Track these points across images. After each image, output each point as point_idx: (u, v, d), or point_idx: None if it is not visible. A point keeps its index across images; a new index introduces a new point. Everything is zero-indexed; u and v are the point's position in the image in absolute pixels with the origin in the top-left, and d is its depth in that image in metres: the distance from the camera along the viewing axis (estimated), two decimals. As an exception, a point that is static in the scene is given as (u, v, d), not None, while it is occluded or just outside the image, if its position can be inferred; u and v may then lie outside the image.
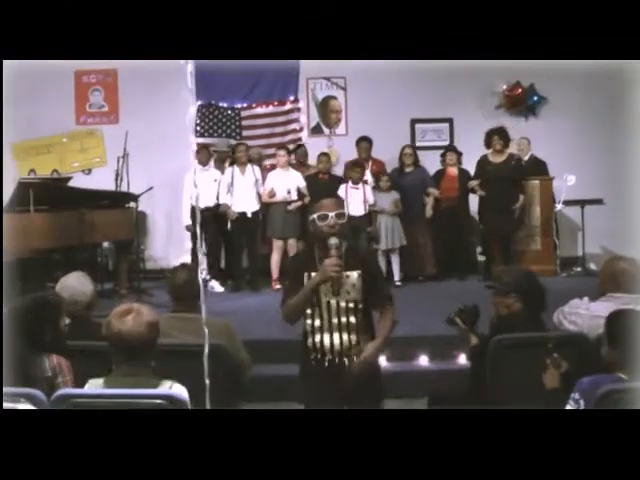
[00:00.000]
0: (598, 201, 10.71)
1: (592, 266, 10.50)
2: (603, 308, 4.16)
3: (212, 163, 10.49)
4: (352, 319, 4.05)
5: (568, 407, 3.39)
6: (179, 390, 3.27)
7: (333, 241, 3.95)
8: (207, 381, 3.05)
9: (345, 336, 4.04)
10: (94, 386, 3.36)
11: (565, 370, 3.73)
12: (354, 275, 4.04)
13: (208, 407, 3.25)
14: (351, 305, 4.05)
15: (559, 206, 10.75)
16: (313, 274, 4.01)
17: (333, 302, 4.04)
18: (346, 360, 4.05)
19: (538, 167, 10.80)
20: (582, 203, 10.77)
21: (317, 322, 4.07)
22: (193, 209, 9.95)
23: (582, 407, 3.32)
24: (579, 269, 10.78)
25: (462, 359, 5.43)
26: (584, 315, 4.35)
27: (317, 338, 4.07)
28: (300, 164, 10.64)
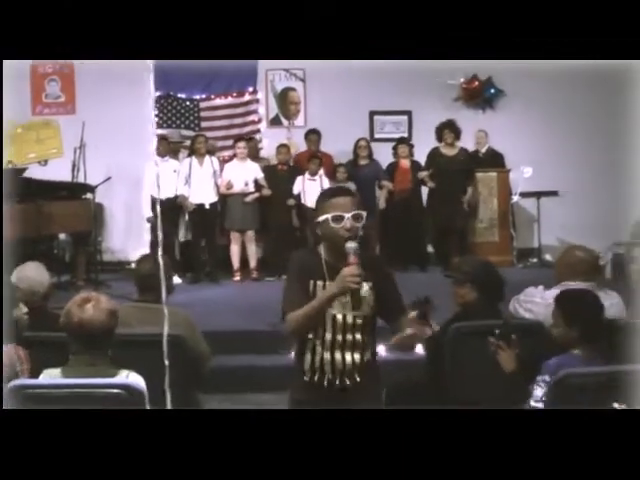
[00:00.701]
0: (553, 193, 10.84)
1: (548, 257, 10.63)
2: (558, 296, 4.24)
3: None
4: (359, 336, 3.46)
5: (538, 390, 3.48)
6: (136, 379, 3.26)
7: (352, 245, 3.27)
8: (167, 370, 3.02)
9: (349, 356, 3.46)
10: (50, 376, 3.34)
11: (518, 351, 3.78)
12: (365, 287, 3.38)
13: (168, 396, 3.24)
14: (359, 321, 3.46)
15: (515, 198, 10.87)
16: (320, 283, 3.40)
17: (340, 317, 3.44)
18: (347, 381, 3.46)
19: (495, 159, 10.91)
20: (538, 195, 10.89)
21: (320, 338, 3.46)
22: (153, 201, 9.93)
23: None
24: (535, 260, 10.91)
25: (420, 348, 5.46)
26: (539, 303, 4.42)
27: (318, 357, 3.47)
28: (251, 156, 10.62)
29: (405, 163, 10.62)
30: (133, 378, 3.27)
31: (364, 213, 3.41)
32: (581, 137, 11.18)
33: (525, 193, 10.82)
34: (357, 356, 3.46)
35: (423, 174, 10.34)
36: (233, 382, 6.46)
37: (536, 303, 4.44)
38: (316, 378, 3.48)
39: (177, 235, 10.32)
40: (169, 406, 3.27)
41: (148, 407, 3.26)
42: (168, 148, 10.29)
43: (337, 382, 3.46)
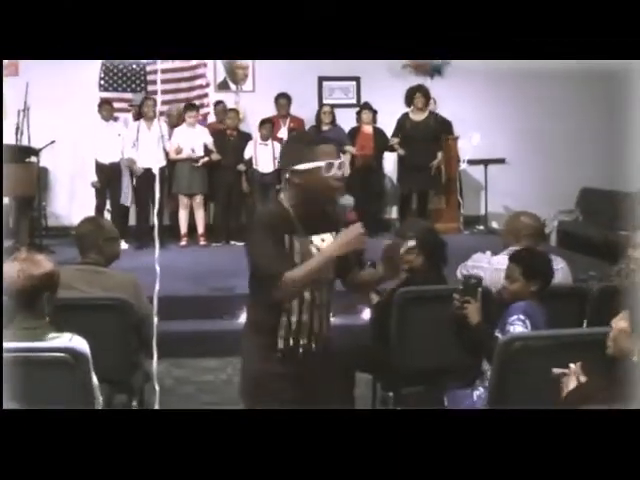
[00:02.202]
0: (501, 160, 10.93)
1: (494, 224, 10.73)
2: (504, 261, 4.29)
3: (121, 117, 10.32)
4: (328, 295, 3.26)
5: (518, 328, 3.61)
6: (80, 343, 3.22)
7: (348, 200, 3.26)
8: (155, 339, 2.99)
9: (324, 317, 3.26)
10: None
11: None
12: (329, 239, 3.18)
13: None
14: (331, 276, 3.25)
15: (463, 165, 10.94)
16: (295, 237, 3.10)
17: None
18: (314, 346, 3.21)
19: (443, 126, 10.92)
20: (485, 162, 10.97)
21: (307, 294, 3.18)
22: (97, 164, 9.81)
23: (529, 327, 3.61)
24: (481, 227, 11.02)
25: (366, 314, 5.49)
26: (486, 268, 4.47)
27: (294, 319, 3.17)
28: (219, 121, 10.53)
29: (367, 129, 10.57)
30: (77, 341, 3.21)
31: (346, 159, 3.24)
32: (528, 104, 11.25)
33: (473, 160, 10.89)
34: (330, 316, 3.31)
35: (394, 141, 10.31)
36: (179, 347, 6.44)
37: (483, 268, 4.49)
38: (291, 344, 3.17)
39: (123, 200, 10.21)
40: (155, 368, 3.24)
41: (93, 372, 3.23)
42: (112, 111, 10.13)
43: (313, 347, 3.21)
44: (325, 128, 10.45)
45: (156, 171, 9.62)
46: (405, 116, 10.33)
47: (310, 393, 3.20)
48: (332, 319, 3.35)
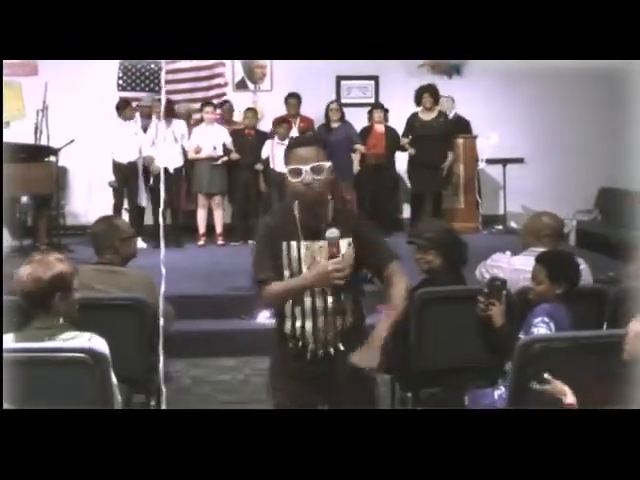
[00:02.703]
0: (519, 160, 10.88)
1: (512, 224, 10.69)
2: (524, 261, 4.28)
3: (137, 117, 10.30)
4: (340, 299, 3.20)
5: (542, 330, 3.60)
6: (99, 343, 3.22)
7: (330, 234, 3.01)
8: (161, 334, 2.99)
9: (331, 321, 3.20)
10: (11, 340, 3.28)
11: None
12: (344, 244, 3.12)
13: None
14: (340, 282, 3.09)
15: (482, 164, 10.89)
16: (294, 243, 3.15)
17: None
18: (332, 351, 3.21)
19: (462, 126, 10.88)
20: (504, 162, 10.93)
21: (299, 304, 3.21)
22: (114, 163, 9.83)
23: (553, 330, 3.60)
24: (500, 227, 10.97)
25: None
26: (506, 268, 4.44)
27: (298, 323, 3.21)
28: (226, 121, 10.54)
29: (379, 128, 10.55)
30: (96, 341, 3.22)
31: (326, 164, 3.08)
32: (547, 104, 11.19)
33: (491, 160, 10.85)
34: (340, 321, 3.21)
35: (405, 141, 10.28)
36: (196, 347, 6.46)
37: (502, 268, 4.46)
38: (300, 346, 3.22)
39: (140, 199, 10.23)
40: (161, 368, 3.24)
41: (112, 372, 3.23)
42: (132, 111, 10.15)
43: (320, 352, 3.21)
44: (334, 125, 10.42)
45: (172, 171, 9.72)
46: (414, 116, 10.30)
47: (328, 395, 3.27)
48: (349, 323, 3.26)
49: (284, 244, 3.16)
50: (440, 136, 10.14)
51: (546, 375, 2.94)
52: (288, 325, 3.24)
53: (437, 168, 10.16)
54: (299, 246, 3.16)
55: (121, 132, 9.83)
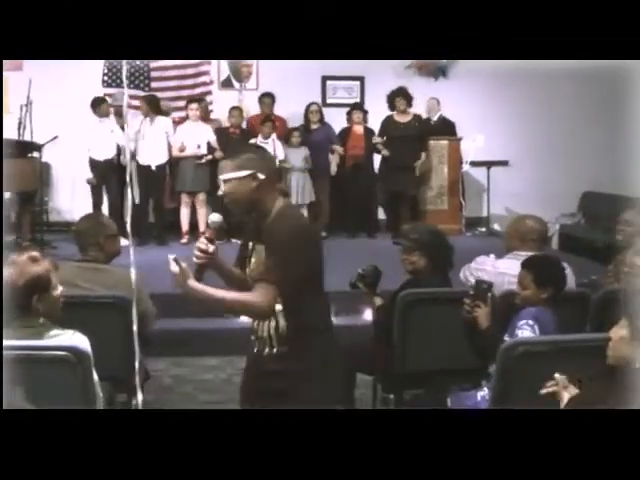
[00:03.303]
0: (504, 163, 10.91)
1: (496, 226, 10.73)
2: (508, 265, 4.29)
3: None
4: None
5: (526, 332, 3.64)
6: (81, 341, 3.20)
7: (212, 219, 3.28)
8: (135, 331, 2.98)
9: (273, 322, 3.22)
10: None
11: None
12: (260, 249, 3.24)
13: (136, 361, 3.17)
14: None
15: (466, 167, 10.92)
16: (250, 243, 3.31)
17: (251, 273, 3.29)
18: (275, 350, 3.25)
19: (447, 128, 10.92)
20: (488, 164, 10.96)
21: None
22: (91, 161, 9.81)
23: (537, 333, 3.63)
24: (483, 229, 11.01)
25: (368, 314, 5.47)
26: (490, 271, 4.45)
27: (255, 323, 3.32)
28: (202, 118, 10.50)
29: (358, 129, 10.59)
30: (78, 339, 3.20)
31: (234, 174, 3.16)
32: (532, 106, 11.24)
33: (475, 162, 10.88)
34: (282, 322, 3.20)
35: (377, 140, 10.34)
36: (178, 345, 6.44)
37: (487, 271, 4.47)
38: (256, 345, 3.33)
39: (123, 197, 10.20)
40: (137, 366, 3.22)
41: (94, 370, 3.22)
42: (107, 108, 10.11)
43: (268, 350, 3.27)
44: (314, 127, 10.49)
45: (154, 168, 9.71)
46: (389, 118, 10.39)
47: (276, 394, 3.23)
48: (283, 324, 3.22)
49: (250, 244, 3.33)
50: (415, 138, 10.23)
51: (557, 375, 2.94)
52: (253, 325, 3.35)
53: (410, 169, 10.26)
54: (250, 246, 3.34)
55: (97, 129, 9.81)
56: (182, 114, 10.52)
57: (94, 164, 9.86)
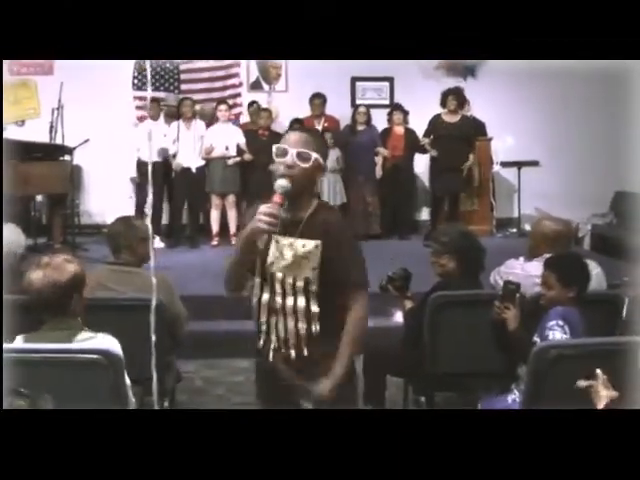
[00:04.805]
0: (534, 163, 10.84)
1: (527, 227, 10.63)
2: (538, 267, 4.26)
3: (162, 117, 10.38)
4: (302, 302, 3.03)
5: (557, 333, 3.61)
6: (112, 344, 3.23)
7: (280, 183, 2.91)
8: (153, 337, 2.99)
9: (292, 323, 3.05)
10: (22, 341, 3.28)
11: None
12: (309, 245, 3.00)
13: (153, 364, 3.19)
14: (300, 284, 3.02)
15: (496, 167, 10.87)
16: (274, 237, 3.03)
17: (279, 276, 3.03)
18: (292, 353, 3.07)
19: (477, 128, 10.86)
20: (519, 165, 10.89)
21: (264, 297, 3.08)
22: (139, 162, 9.85)
23: (567, 333, 3.61)
24: (514, 230, 10.93)
25: (399, 316, 5.46)
26: (520, 275, 4.42)
27: (263, 318, 3.11)
28: (252, 122, 10.53)
29: (399, 130, 10.56)
30: (109, 342, 3.23)
31: (314, 155, 2.97)
32: (562, 106, 11.16)
33: (506, 163, 10.82)
34: (302, 325, 3.04)
35: (425, 141, 10.26)
36: (209, 347, 6.45)
37: (516, 275, 4.44)
38: (262, 343, 3.14)
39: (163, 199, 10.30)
40: (154, 371, 3.24)
41: (125, 374, 3.24)
42: (159, 111, 10.20)
43: (282, 350, 3.09)
44: (360, 128, 10.47)
45: (194, 171, 9.78)
46: (437, 117, 10.26)
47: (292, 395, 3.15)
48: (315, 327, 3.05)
49: (266, 236, 3.03)
50: (463, 139, 10.10)
51: (598, 370, 2.90)
52: (255, 320, 3.17)
53: (458, 171, 10.14)
54: (272, 240, 3.06)
55: (149, 131, 9.85)
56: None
57: (141, 166, 9.84)
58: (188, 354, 5.48)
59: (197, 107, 10.45)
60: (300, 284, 3.02)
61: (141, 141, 9.79)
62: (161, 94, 10.89)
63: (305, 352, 3.06)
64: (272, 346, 3.12)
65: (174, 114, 10.47)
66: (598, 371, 2.88)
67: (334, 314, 3.04)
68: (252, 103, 10.88)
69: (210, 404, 5.45)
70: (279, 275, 3.04)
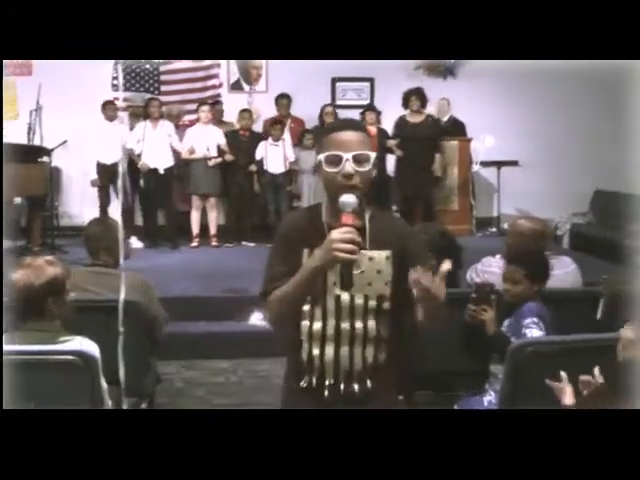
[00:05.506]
0: (514, 162, 10.89)
1: (506, 226, 10.67)
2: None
3: (125, 117, 10.30)
4: (372, 324, 2.59)
5: (535, 331, 3.62)
6: (89, 346, 3.22)
7: (348, 200, 2.39)
8: (121, 329, 2.98)
9: (359, 351, 2.59)
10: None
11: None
12: (381, 257, 2.57)
13: (121, 365, 3.19)
14: (373, 303, 2.58)
15: (476, 167, 10.90)
16: (317, 251, 2.41)
17: (346, 297, 2.56)
18: (357, 387, 2.61)
19: (457, 128, 10.90)
20: (498, 164, 10.94)
21: (317, 325, 2.60)
22: (98, 164, 9.82)
23: (543, 329, 3.63)
24: (494, 229, 10.99)
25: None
26: (496, 272, 4.43)
27: (316, 350, 2.61)
28: (217, 121, 10.53)
29: (372, 130, 10.55)
30: (86, 344, 3.22)
31: (372, 154, 2.56)
32: (542, 105, 11.21)
33: (486, 162, 10.87)
34: (370, 351, 2.61)
35: (391, 142, 10.31)
36: (189, 348, 6.45)
37: (493, 272, 4.45)
38: (314, 382, 2.63)
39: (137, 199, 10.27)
40: (122, 373, 3.24)
41: (102, 376, 3.23)
42: (114, 111, 10.13)
43: (342, 387, 2.61)
44: (328, 128, 10.46)
45: (162, 172, 9.75)
46: (402, 119, 10.36)
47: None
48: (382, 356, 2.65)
49: (305, 252, 2.55)
50: (428, 139, 10.18)
51: (562, 373, 2.93)
52: (303, 354, 2.64)
53: (425, 171, 10.23)
54: None
55: (106, 133, 9.81)
56: (193, 117, 10.56)
57: (102, 168, 9.83)
58: (168, 356, 5.47)
59: (164, 108, 10.41)
60: (373, 303, 2.59)
61: (102, 142, 9.79)
62: (128, 94, 10.82)
63: (369, 385, 2.64)
64: (328, 382, 2.63)
65: (140, 114, 10.42)
66: (562, 373, 2.92)
67: (398, 337, 2.69)
68: (216, 102, 10.84)
69: (190, 406, 5.44)
70: (345, 296, 2.57)
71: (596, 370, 2.89)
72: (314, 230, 2.55)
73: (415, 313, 2.47)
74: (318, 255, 2.38)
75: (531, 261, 3.91)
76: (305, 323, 2.62)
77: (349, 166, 2.49)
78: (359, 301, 2.57)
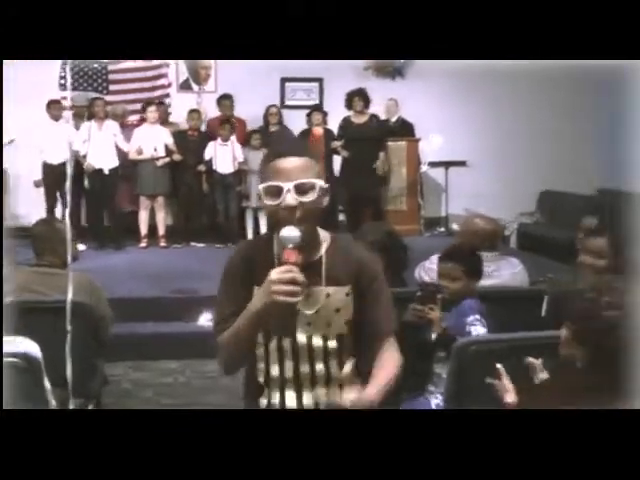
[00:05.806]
0: (462, 163, 10.98)
1: (454, 226, 10.75)
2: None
3: (69, 117, 10.18)
4: (334, 367, 2.43)
5: (479, 328, 3.64)
6: (31, 347, 3.18)
7: (289, 234, 2.20)
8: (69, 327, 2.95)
9: (323, 394, 2.44)
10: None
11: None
12: (340, 293, 2.39)
13: (69, 365, 3.15)
14: (332, 344, 2.42)
15: (424, 167, 10.98)
16: (258, 293, 2.27)
17: (302, 338, 2.40)
18: (306, 402, 2.46)
19: (406, 129, 10.95)
20: (446, 165, 11.02)
21: (275, 370, 2.44)
22: (45, 164, 9.71)
23: (485, 326, 3.65)
24: (442, 229, 11.07)
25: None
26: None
27: (275, 398, 2.46)
28: (164, 121, 10.46)
29: (318, 131, 10.60)
30: (28, 345, 3.18)
31: (318, 182, 2.33)
32: (489, 106, 11.32)
33: (434, 163, 10.94)
34: (334, 393, 2.41)
35: (336, 144, 10.33)
36: (137, 349, 6.41)
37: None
38: (276, 401, 2.48)
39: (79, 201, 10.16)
40: (69, 373, 3.20)
41: (45, 377, 3.19)
42: (59, 110, 10.00)
43: (305, 403, 2.46)
44: (272, 129, 10.53)
45: (107, 172, 9.65)
46: (346, 119, 10.38)
47: None
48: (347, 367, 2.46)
49: (256, 289, 2.33)
50: (373, 139, 10.23)
51: (498, 365, 2.95)
52: (265, 400, 2.48)
53: (370, 171, 10.25)
54: None
55: (51, 132, 9.69)
56: (138, 117, 10.50)
57: (48, 168, 9.72)
58: (115, 357, 5.43)
59: (108, 108, 10.31)
60: (333, 345, 2.43)
61: (45, 143, 9.70)
62: (72, 93, 10.68)
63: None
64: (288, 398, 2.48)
65: (84, 114, 10.32)
66: (498, 365, 2.94)
67: (364, 374, 2.46)
68: (161, 103, 10.76)
69: (138, 407, 5.40)
70: (301, 338, 2.40)
71: (539, 361, 2.93)
72: (265, 264, 2.32)
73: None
74: (257, 297, 2.23)
75: (467, 257, 3.92)
76: (261, 366, 2.47)
77: (290, 197, 2.25)
78: (318, 342, 2.41)
